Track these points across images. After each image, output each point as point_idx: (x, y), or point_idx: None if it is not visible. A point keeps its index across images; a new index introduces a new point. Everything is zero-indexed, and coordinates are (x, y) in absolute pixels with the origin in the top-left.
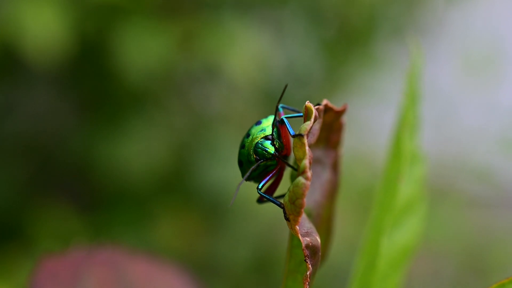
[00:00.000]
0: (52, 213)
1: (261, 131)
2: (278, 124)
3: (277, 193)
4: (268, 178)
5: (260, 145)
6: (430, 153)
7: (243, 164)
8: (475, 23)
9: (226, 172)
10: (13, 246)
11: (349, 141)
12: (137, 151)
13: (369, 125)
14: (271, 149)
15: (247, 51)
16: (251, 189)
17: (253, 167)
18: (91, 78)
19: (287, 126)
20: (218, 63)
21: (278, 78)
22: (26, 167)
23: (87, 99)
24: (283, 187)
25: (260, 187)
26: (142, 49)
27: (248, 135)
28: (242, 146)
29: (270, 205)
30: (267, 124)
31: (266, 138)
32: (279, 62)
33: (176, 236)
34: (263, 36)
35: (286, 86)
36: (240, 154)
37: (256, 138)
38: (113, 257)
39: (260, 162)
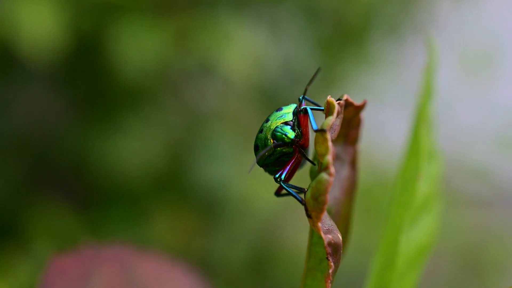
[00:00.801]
0: (48, 211)
1: (281, 117)
2: (300, 114)
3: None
4: (287, 168)
5: (279, 129)
6: None
7: (259, 148)
8: (472, 20)
9: (222, 170)
10: (8, 245)
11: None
12: (132, 149)
13: (365, 123)
14: (291, 134)
15: (243, 49)
16: (249, 187)
17: (267, 148)
18: (86, 76)
19: (311, 117)
20: (214, 61)
21: (274, 76)
22: (21, 165)
23: (82, 97)
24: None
25: (280, 177)
26: (137, 47)
27: (267, 120)
28: (260, 131)
29: (266, 203)
30: (288, 111)
31: (286, 123)
32: (274, 59)
33: (172, 234)
34: (258, 33)
35: (319, 69)
36: (257, 138)
37: (275, 122)
38: (122, 255)
39: (277, 147)
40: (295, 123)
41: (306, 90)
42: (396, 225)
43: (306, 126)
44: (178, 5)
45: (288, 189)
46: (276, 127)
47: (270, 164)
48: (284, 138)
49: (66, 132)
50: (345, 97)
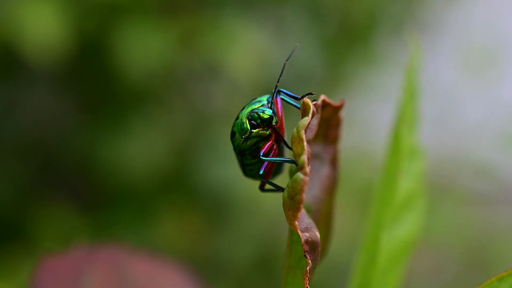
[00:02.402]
0: (54, 212)
1: (256, 102)
2: (276, 97)
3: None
4: (265, 164)
5: (256, 110)
6: (431, 149)
7: (235, 134)
8: (476, 19)
9: (228, 170)
10: (15, 246)
11: (351, 137)
12: (138, 150)
13: (371, 121)
14: (268, 111)
15: (248, 49)
16: (255, 188)
17: (248, 133)
18: (92, 77)
19: (289, 95)
20: (219, 61)
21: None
22: (27, 167)
23: (88, 98)
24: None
25: (261, 173)
26: (143, 47)
27: (243, 108)
28: (237, 118)
29: (272, 203)
30: (262, 99)
31: (262, 106)
32: (280, 59)
33: (178, 235)
34: (264, 33)
35: (285, 64)
36: (234, 125)
37: (251, 107)
38: (114, 256)
39: (254, 128)
40: (270, 107)
41: (277, 85)
42: (378, 222)
43: (281, 114)
44: (184, 5)
45: (270, 182)
46: (253, 109)
47: (247, 151)
48: (261, 115)
49: (71, 134)
50: (322, 97)
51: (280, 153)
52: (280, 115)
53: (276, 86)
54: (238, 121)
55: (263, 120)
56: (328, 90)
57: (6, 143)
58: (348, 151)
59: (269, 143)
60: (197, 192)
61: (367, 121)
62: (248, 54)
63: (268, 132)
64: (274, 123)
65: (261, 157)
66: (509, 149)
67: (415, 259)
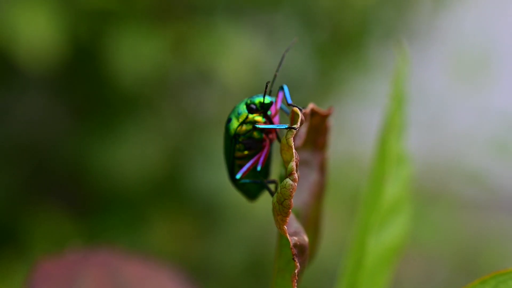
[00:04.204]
0: (47, 218)
1: (254, 96)
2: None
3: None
4: (248, 165)
5: (256, 96)
6: (422, 156)
7: (231, 120)
8: (466, 26)
9: (219, 176)
10: (7, 251)
11: (343, 143)
12: (131, 155)
13: (362, 127)
14: (269, 98)
15: (240, 55)
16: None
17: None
18: (84, 83)
19: (286, 93)
20: (211, 67)
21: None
22: (20, 172)
23: (80, 104)
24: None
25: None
26: (135, 53)
27: (235, 107)
28: (232, 112)
29: (263, 208)
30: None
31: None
32: (272, 66)
33: (170, 240)
34: (256, 40)
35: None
36: (230, 113)
37: (246, 101)
38: (108, 259)
39: (252, 112)
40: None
41: (276, 74)
42: (365, 227)
43: (278, 107)
44: (176, 12)
45: (264, 183)
46: (253, 96)
47: (240, 137)
48: (260, 99)
49: (64, 139)
50: (310, 105)
51: (269, 158)
52: (277, 107)
53: (275, 75)
54: (235, 108)
55: (263, 105)
56: (320, 97)
57: None
58: (339, 157)
59: (265, 151)
60: (188, 197)
61: (359, 127)
62: (240, 60)
63: (264, 120)
64: (269, 107)
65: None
66: (500, 155)
67: (406, 264)
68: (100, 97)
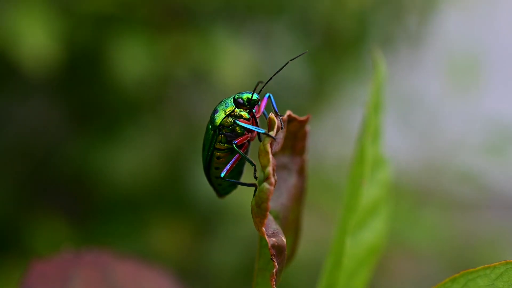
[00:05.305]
0: (46, 222)
1: (240, 93)
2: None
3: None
4: (231, 163)
5: (245, 92)
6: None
7: (218, 111)
8: (458, 32)
9: None
10: (6, 256)
11: (338, 146)
12: (130, 159)
13: (355, 131)
14: (256, 95)
15: (238, 61)
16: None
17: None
18: (85, 87)
19: (272, 102)
20: (210, 73)
21: (268, 88)
22: (19, 177)
23: (80, 108)
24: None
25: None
26: (136, 58)
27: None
28: (219, 103)
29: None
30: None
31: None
32: (268, 71)
33: (167, 242)
34: (253, 46)
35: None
36: (217, 105)
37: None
38: (100, 259)
39: (238, 106)
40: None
41: (271, 78)
42: (344, 227)
43: (262, 110)
44: (177, 19)
45: (238, 182)
46: (241, 92)
47: (224, 129)
48: (248, 95)
49: (64, 144)
50: (288, 112)
51: (246, 153)
52: (261, 109)
53: (271, 78)
54: (223, 101)
55: (250, 101)
56: (317, 103)
57: None
58: (335, 160)
59: (245, 137)
60: (187, 200)
61: (353, 132)
62: (238, 66)
63: (248, 116)
64: (256, 104)
65: (234, 145)
66: (491, 156)
67: (399, 264)
68: (101, 102)
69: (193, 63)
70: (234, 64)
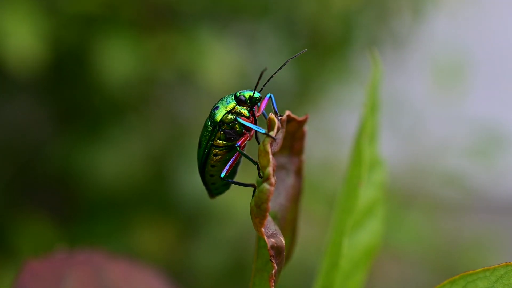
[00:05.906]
0: (31, 223)
1: (242, 90)
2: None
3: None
4: (230, 163)
5: (247, 90)
6: (401, 159)
7: (219, 107)
8: (444, 36)
9: None
10: None
11: (322, 148)
12: (115, 159)
13: (341, 133)
14: (258, 94)
15: (223, 62)
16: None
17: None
18: (70, 88)
19: (273, 102)
20: (196, 74)
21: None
22: (3, 177)
23: (66, 108)
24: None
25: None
26: (121, 59)
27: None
28: (220, 99)
29: (244, 211)
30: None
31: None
32: (253, 71)
33: (154, 243)
34: (238, 48)
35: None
36: (218, 101)
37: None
38: (93, 259)
39: (240, 103)
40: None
41: (272, 76)
42: (340, 229)
43: (262, 110)
44: (161, 20)
45: (235, 182)
46: (243, 90)
47: (224, 126)
48: (250, 93)
49: (49, 144)
50: (287, 113)
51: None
52: (262, 108)
53: (271, 77)
54: (224, 98)
55: (251, 99)
56: (303, 104)
57: None
58: (320, 161)
59: (245, 137)
60: (172, 201)
61: (338, 133)
62: (223, 67)
63: (248, 115)
64: (256, 101)
65: (237, 147)
66: (476, 159)
67: (383, 267)
68: (85, 101)
69: (178, 64)
70: (219, 64)
